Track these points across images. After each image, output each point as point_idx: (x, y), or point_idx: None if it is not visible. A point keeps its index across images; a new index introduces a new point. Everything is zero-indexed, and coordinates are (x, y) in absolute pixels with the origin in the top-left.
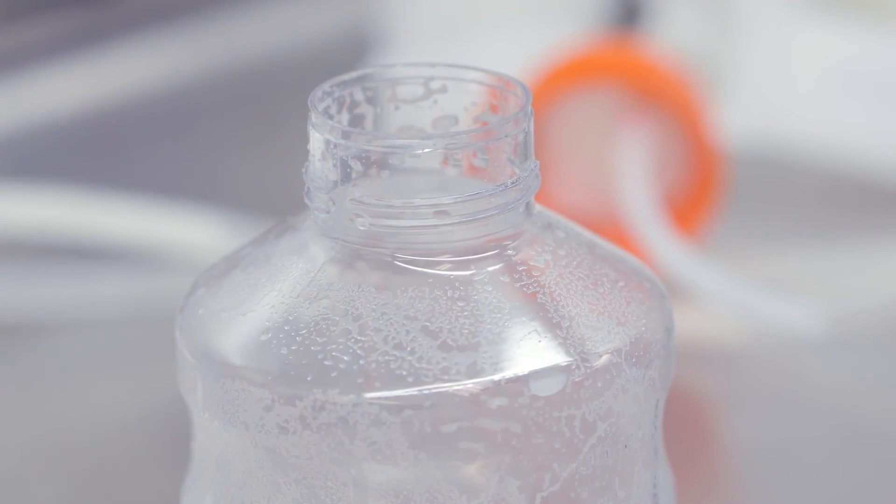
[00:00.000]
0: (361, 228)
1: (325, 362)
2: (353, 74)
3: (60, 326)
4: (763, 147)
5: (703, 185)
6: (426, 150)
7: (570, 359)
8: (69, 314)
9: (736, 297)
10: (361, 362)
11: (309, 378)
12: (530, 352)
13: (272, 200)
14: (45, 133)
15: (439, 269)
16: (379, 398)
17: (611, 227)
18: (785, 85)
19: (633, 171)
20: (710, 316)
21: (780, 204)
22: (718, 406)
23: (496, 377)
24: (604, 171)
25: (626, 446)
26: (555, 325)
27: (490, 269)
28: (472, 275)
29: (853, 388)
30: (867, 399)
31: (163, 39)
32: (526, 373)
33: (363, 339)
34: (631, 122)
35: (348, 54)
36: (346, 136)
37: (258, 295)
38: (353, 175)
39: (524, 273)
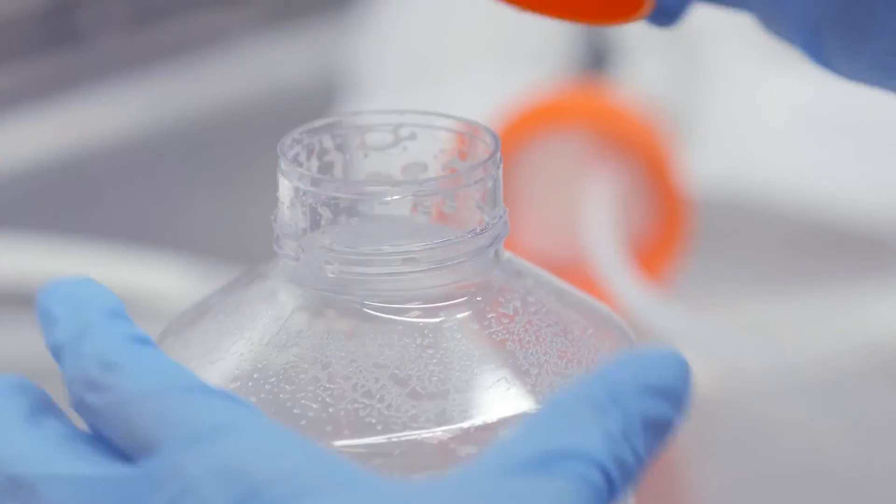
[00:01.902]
0: (331, 276)
1: (295, 410)
2: (323, 121)
3: (27, 375)
4: (728, 192)
5: (669, 230)
6: (395, 198)
7: (539, 406)
8: (36, 362)
9: (700, 339)
10: (331, 410)
11: None
12: (499, 399)
13: (241, 247)
14: (12, 180)
15: (408, 317)
16: (348, 446)
17: (577, 271)
18: (750, 130)
19: (599, 216)
20: None
21: (745, 249)
22: (688, 450)
23: (465, 425)
24: (571, 216)
25: None
26: (524, 372)
27: (459, 316)
28: (441, 322)
29: (821, 433)
30: (835, 443)
31: (131, 86)
32: (495, 420)
33: (332, 386)
34: (598, 167)
35: (317, 100)
36: (315, 183)
37: (227, 343)
38: (323, 222)
39: (493, 320)
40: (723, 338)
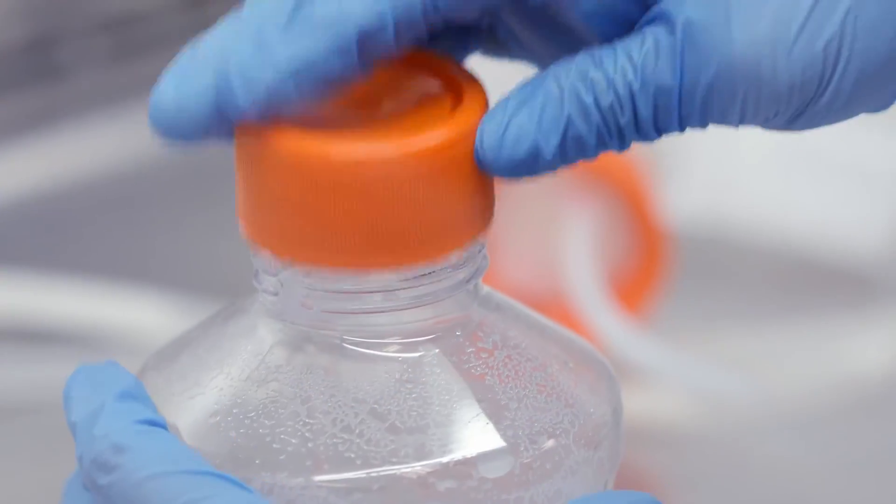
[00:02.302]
0: (310, 311)
1: (274, 445)
2: None
3: (8, 409)
4: (709, 226)
5: (648, 264)
6: None
7: (519, 441)
8: (18, 397)
9: (680, 374)
10: (310, 445)
11: (257, 461)
12: (479, 433)
13: (221, 282)
14: None
15: (388, 352)
16: (327, 481)
17: (556, 305)
18: (731, 165)
19: (578, 250)
20: (660, 397)
21: (725, 283)
22: (668, 487)
23: (444, 459)
24: (550, 250)
25: None
26: (503, 406)
27: (438, 350)
28: (420, 357)
29: (804, 469)
30: (818, 479)
31: (112, 121)
32: (474, 455)
33: (312, 421)
34: (577, 201)
35: None
36: None
37: (207, 378)
38: None
39: (472, 355)
40: (703, 373)
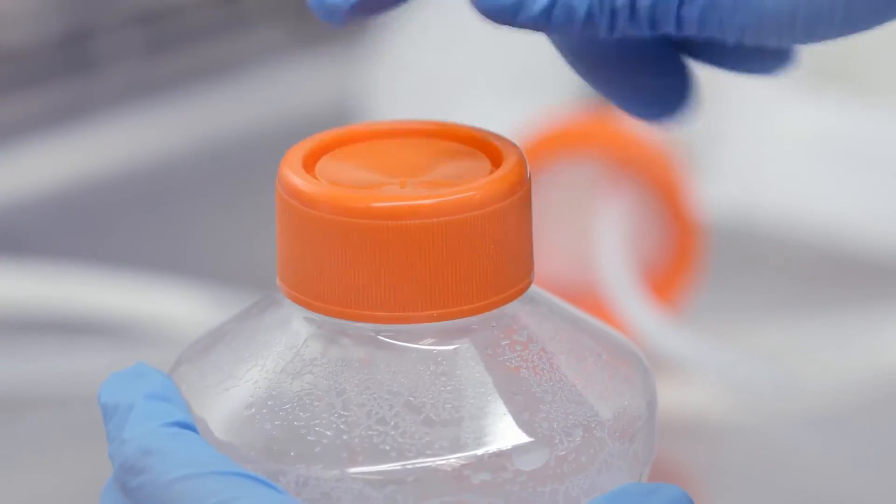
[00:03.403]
0: None
1: (309, 437)
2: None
3: (43, 401)
4: (741, 219)
5: (681, 257)
6: None
7: (554, 433)
8: (51, 389)
9: (712, 365)
10: (345, 437)
11: (292, 453)
12: (513, 426)
13: (255, 275)
14: (26, 208)
15: (423, 344)
16: (362, 473)
17: (589, 298)
18: (764, 157)
19: (611, 242)
20: (694, 389)
21: (757, 275)
22: (702, 480)
23: (479, 452)
24: (583, 242)
25: None
26: (538, 399)
27: (473, 343)
28: (455, 349)
29: (833, 461)
30: (845, 472)
31: (146, 114)
32: (509, 447)
33: (347, 413)
34: (610, 194)
35: (331, 126)
36: None
37: (241, 370)
38: None
39: (507, 347)
40: (735, 365)
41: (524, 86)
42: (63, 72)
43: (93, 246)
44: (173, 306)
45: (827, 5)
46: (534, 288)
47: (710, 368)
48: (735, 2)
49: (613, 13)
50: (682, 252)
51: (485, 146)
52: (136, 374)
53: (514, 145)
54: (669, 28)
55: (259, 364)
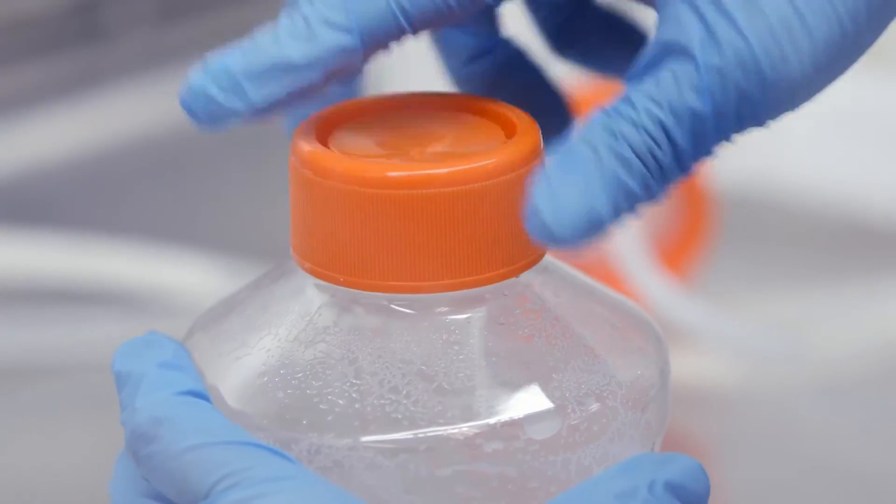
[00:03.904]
0: None
1: (321, 406)
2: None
3: (55, 370)
4: (753, 188)
5: (693, 227)
6: None
7: (566, 402)
8: (64, 358)
9: (723, 334)
10: (357, 406)
11: (305, 421)
12: (526, 395)
13: (268, 244)
14: (38, 177)
15: (435, 313)
16: (374, 442)
17: (600, 267)
18: (774, 127)
19: None
20: (705, 359)
21: (769, 245)
22: (713, 449)
23: (492, 421)
24: None
25: None
26: (550, 368)
27: (486, 312)
28: (468, 318)
29: (845, 431)
30: (859, 442)
31: (157, 83)
32: (521, 416)
33: (359, 382)
34: None
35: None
36: None
37: (254, 338)
38: None
39: (520, 316)
40: (747, 335)
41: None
42: (74, 40)
43: (105, 215)
44: (185, 275)
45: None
46: (547, 257)
47: (721, 338)
48: (762, 88)
49: (662, 172)
50: (692, 222)
51: (498, 116)
52: (148, 343)
53: (527, 115)
54: (712, 151)
55: (272, 332)
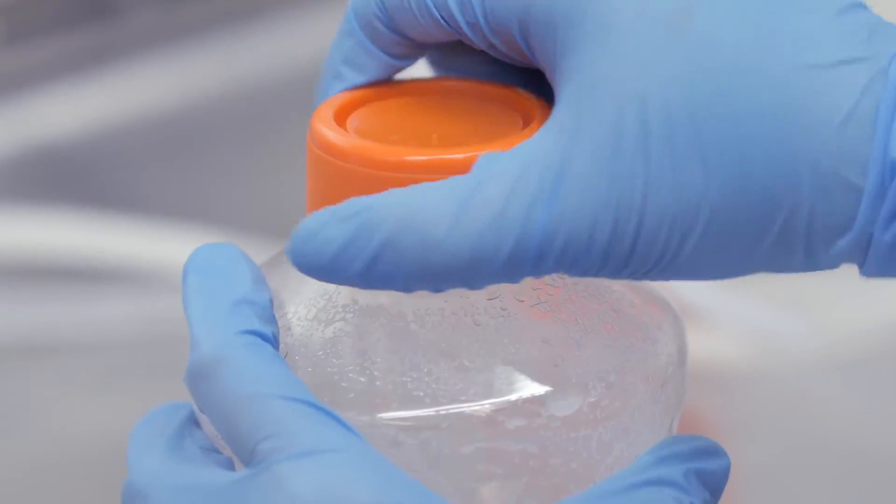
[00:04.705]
0: None
1: (342, 384)
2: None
3: (67, 348)
4: None
5: None
6: None
7: (587, 379)
8: (75, 336)
9: (734, 314)
10: (378, 383)
11: (326, 399)
12: (547, 372)
13: (281, 221)
14: (48, 154)
15: (454, 291)
16: (396, 419)
17: None
18: None
19: None
20: (715, 338)
21: None
22: (726, 428)
23: (513, 398)
24: None
25: None
26: (570, 345)
27: (505, 290)
28: (487, 296)
29: (860, 410)
30: (869, 421)
31: (165, 61)
32: (543, 393)
33: (380, 360)
34: None
35: None
36: None
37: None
38: None
39: (539, 293)
40: (758, 314)
41: None
42: (85, 17)
43: (117, 192)
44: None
45: None
46: None
47: (732, 318)
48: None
49: None
50: None
51: (516, 103)
52: (225, 258)
53: (544, 102)
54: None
55: (291, 311)
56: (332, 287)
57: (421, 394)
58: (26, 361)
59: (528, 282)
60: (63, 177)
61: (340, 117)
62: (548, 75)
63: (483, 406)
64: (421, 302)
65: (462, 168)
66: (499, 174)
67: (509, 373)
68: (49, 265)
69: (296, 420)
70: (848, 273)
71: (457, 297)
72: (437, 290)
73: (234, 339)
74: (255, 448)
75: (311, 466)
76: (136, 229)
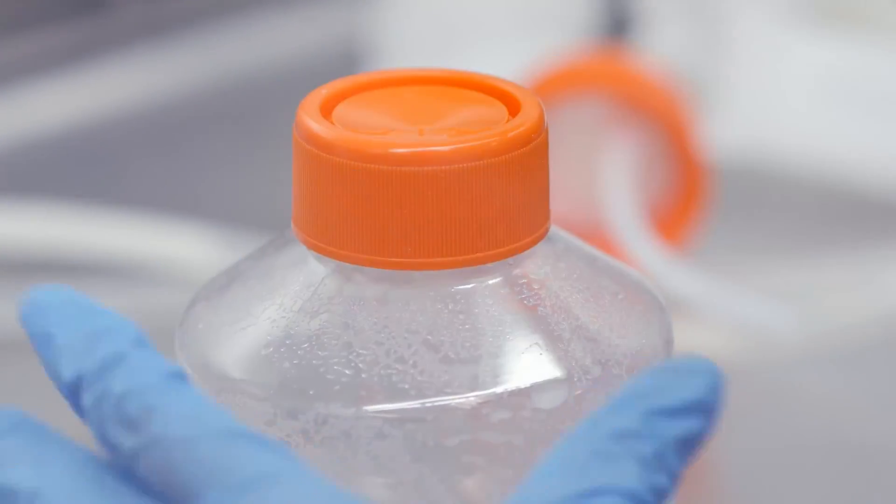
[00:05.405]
0: None
1: (327, 376)
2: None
3: None
4: (750, 158)
5: (689, 197)
6: None
7: (573, 371)
8: None
9: (722, 305)
10: (363, 376)
11: (311, 392)
12: (532, 364)
13: (267, 215)
14: (36, 148)
15: (440, 282)
16: (381, 411)
17: (596, 237)
18: (773, 96)
19: (619, 182)
20: (704, 330)
21: (768, 215)
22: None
23: (498, 390)
24: (590, 181)
25: None
26: (556, 337)
27: (490, 282)
28: (473, 288)
29: (846, 402)
30: (860, 413)
31: (154, 53)
32: (528, 385)
33: (365, 352)
34: (618, 133)
35: (340, 67)
36: None
37: (258, 309)
38: None
39: (524, 286)
40: (746, 306)
41: (531, 25)
42: (72, 9)
43: (104, 186)
44: (185, 246)
45: None
46: (551, 226)
47: (720, 309)
48: None
49: None
50: (689, 192)
51: (501, 94)
52: (88, 308)
53: (530, 93)
54: None
55: (276, 303)
56: (317, 279)
57: (406, 386)
58: (13, 356)
59: (515, 274)
60: (49, 170)
61: (326, 109)
62: None
63: (468, 398)
64: (405, 293)
65: (448, 159)
66: None
67: (494, 365)
68: (33, 259)
69: (235, 454)
70: (835, 264)
71: (441, 289)
72: None
73: (156, 384)
74: (197, 492)
75: (250, 500)
76: (123, 223)
